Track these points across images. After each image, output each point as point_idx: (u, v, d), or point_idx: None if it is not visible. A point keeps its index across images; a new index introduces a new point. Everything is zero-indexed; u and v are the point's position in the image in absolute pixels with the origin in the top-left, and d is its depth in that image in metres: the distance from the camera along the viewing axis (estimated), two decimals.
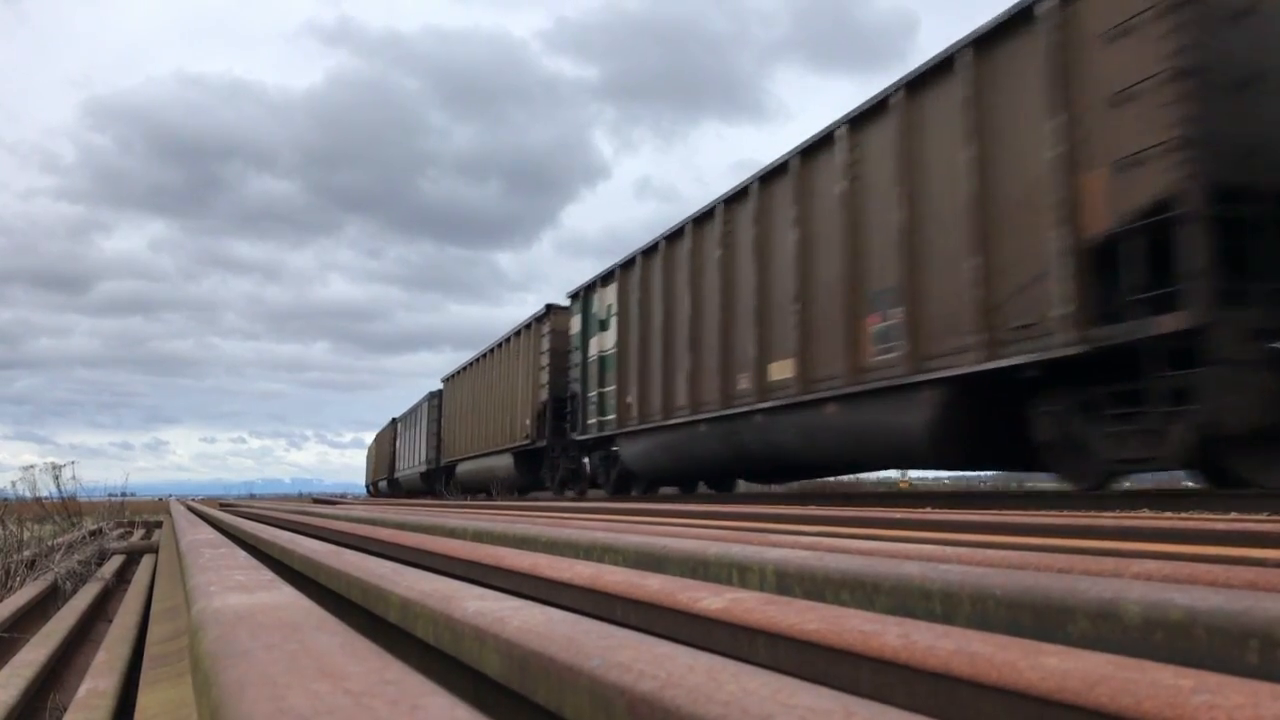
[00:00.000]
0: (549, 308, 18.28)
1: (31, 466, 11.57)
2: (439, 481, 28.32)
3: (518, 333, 20.47)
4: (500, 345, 21.88)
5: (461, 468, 25.18)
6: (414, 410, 33.20)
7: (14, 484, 11.42)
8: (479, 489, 23.09)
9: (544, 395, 17.93)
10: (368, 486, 45.41)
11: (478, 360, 24.04)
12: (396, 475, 36.06)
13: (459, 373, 26.65)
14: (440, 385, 29.35)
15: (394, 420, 38.14)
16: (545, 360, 18.01)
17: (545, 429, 17.86)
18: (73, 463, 11.76)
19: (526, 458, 19.45)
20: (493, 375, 22.16)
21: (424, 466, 30.04)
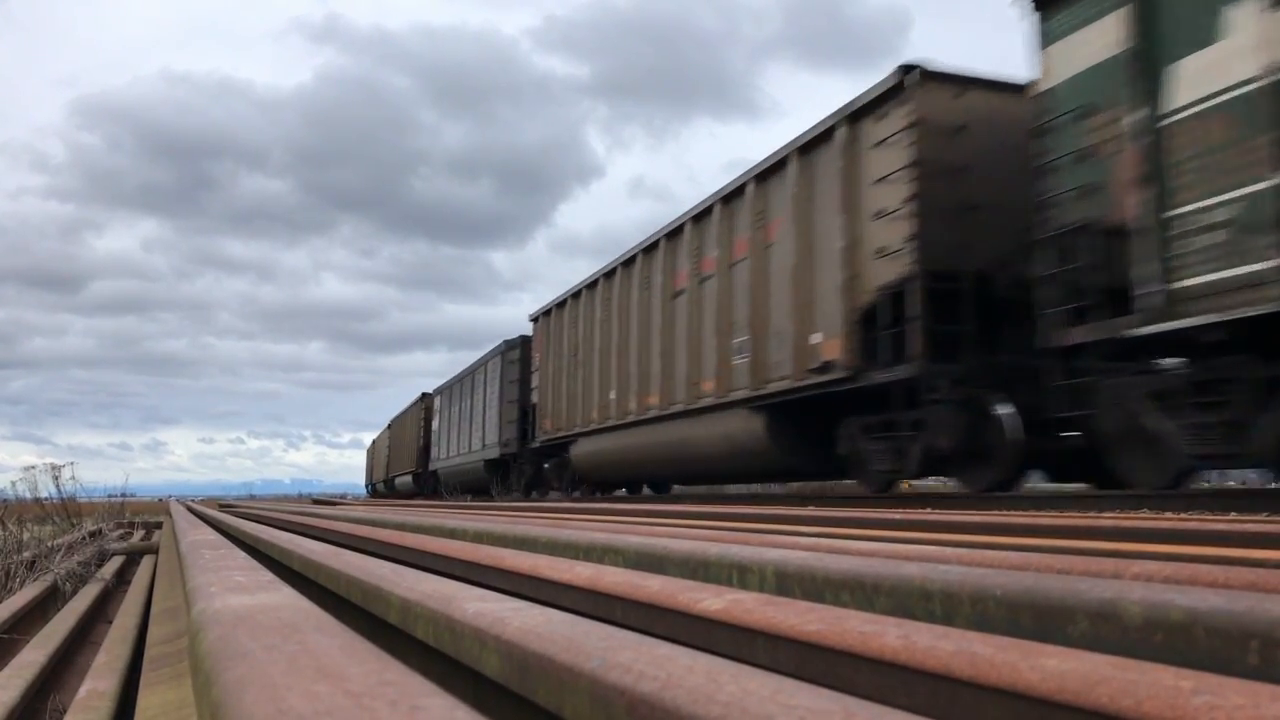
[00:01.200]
0: None
1: (32, 467, 11.59)
2: (524, 471, 18.75)
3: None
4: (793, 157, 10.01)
5: (589, 447, 15.13)
6: (472, 373, 23.33)
7: (14, 484, 11.44)
8: (641, 485, 13.95)
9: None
10: (369, 487, 44.23)
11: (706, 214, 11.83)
12: (435, 466, 27.16)
13: (597, 282, 15.09)
14: (530, 324, 19.19)
15: (425, 395, 29.56)
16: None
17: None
18: (72, 463, 11.77)
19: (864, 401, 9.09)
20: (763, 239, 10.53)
21: (494, 450, 20.22)
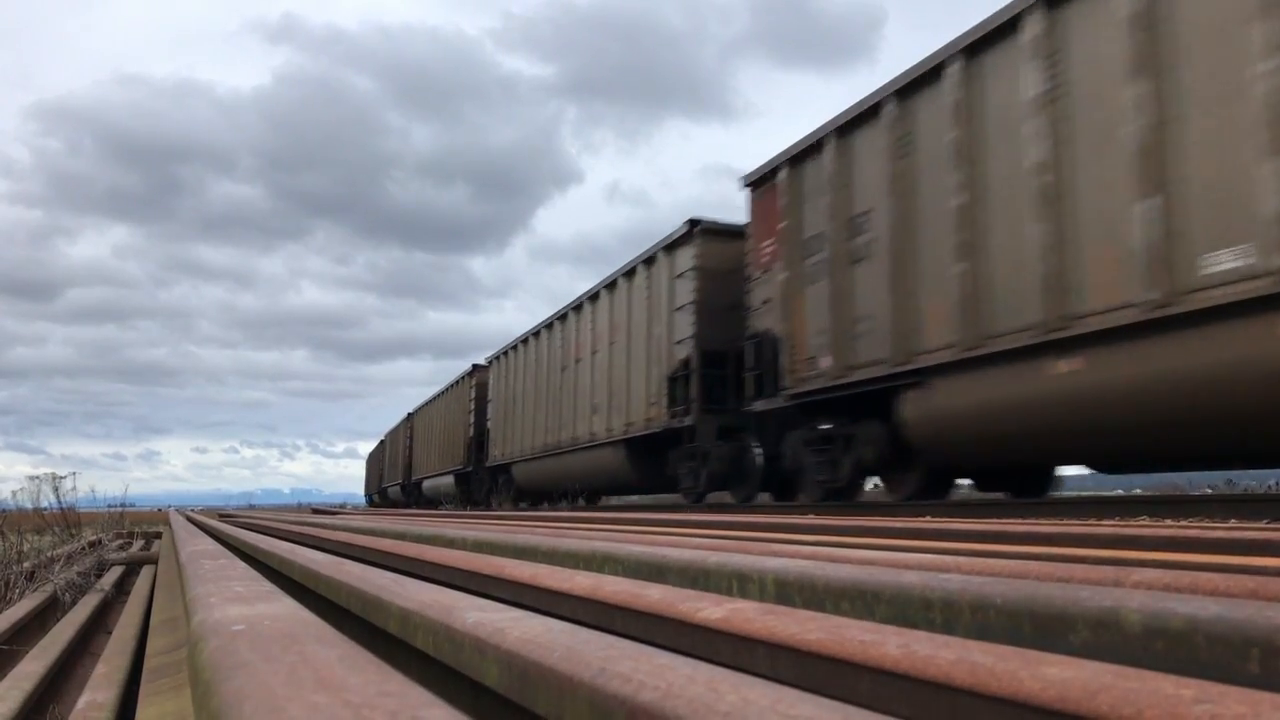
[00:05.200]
0: None
1: (35, 477, 11.59)
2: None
3: None
4: None
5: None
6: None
7: (14, 494, 11.43)
8: None
9: None
10: (369, 496, 43.98)
11: None
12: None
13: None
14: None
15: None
16: None
17: None
18: (74, 474, 11.77)
19: None
20: None
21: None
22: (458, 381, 24.77)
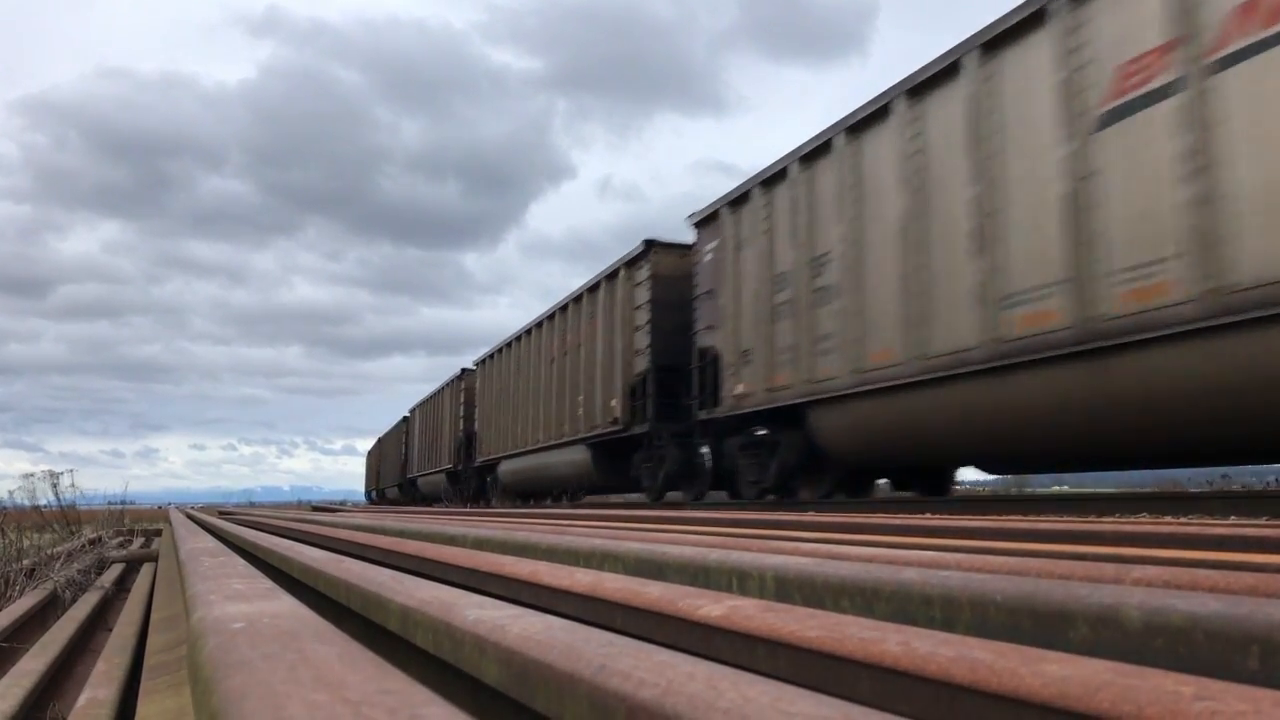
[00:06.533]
0: None
1: (32, 475, 11.59)
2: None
3: None
4: None
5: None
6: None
7: (11, 493, 11.44)
8: None
9: None
10: (369, 494, 43.98)
11: None
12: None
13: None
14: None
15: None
16: None
17: None
18: (71, 471, 11.76)
19: None
20: None
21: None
22: (607, 278, 14.28)
